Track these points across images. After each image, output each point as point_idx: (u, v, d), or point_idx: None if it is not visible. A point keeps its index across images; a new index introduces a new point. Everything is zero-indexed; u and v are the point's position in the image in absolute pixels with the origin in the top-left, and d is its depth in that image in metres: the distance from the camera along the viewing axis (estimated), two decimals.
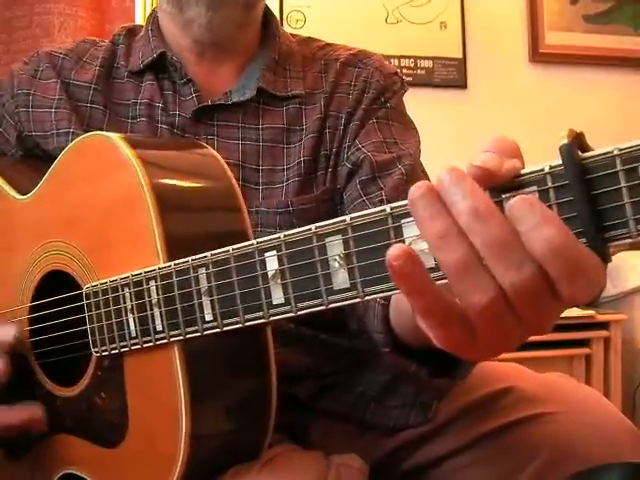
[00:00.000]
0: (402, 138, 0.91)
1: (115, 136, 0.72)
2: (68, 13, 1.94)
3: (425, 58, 2.61)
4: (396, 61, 2.57)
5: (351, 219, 0.50)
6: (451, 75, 2.63)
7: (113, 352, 0.69)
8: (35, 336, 0.80)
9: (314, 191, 0.89)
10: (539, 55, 2.71)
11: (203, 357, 0.67)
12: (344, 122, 0.90)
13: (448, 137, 2.42)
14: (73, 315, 0.74)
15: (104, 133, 0.75)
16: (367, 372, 0.89)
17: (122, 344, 0.68)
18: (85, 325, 0.72)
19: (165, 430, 0.66)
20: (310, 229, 0.53)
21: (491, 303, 0.43)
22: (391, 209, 0.48)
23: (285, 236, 0.55)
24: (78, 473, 0.76)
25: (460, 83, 2.64)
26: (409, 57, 2.60)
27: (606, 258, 0.42)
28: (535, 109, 2.58)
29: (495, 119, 2.53)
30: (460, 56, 2.64)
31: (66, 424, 0.77)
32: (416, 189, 0.44)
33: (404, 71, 2.56)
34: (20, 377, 0.79)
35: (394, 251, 0.43)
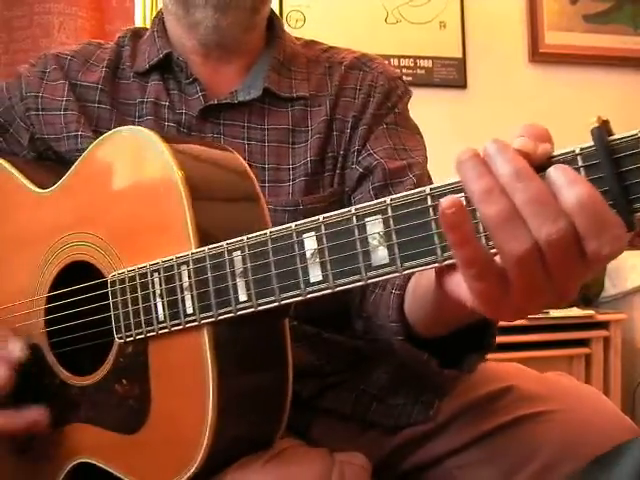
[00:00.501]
0: (410, 145, 0.92)
1: (146, 130, 0.74)
2: (68, 13, 1.94)
3: (425, 58, 2.61)
4: (396, 61, 2.57)
5: (391, 200, 0.54)
6: (451, 75, 2.63)
7: (138, 337, 0.70)
8: (51, 326, 0.80)
9: (320, 191, 0.90)
10: (539, 55, 2.71)
11: (230, 344, 0.68)
12: (351, 126, 0.91)
13: (448, 137, 2.41)
14: (94, 304, 0.75)
15: (134, 127, 0.77)
16: (369, 371, 0.90)
17: (148, 329, 0.69)
18: (106, 313, 0.73)
19: (189, 414, 0.67)
20: (350, 210, 0.56)
21: (526, 253, 0.47)
22: (430, 190, 0.52)
23: (324, 218, 0.57)
24: (93, 461, 0.76)
25: (460, 83, 2.64)
26: (409, 57, 2.60)
27: (633, 226, 0.47)
28: (535, 109, 2.58)
29: (495, 119, 2.52)
30: (460, 56, 2.64)
31: (80, 413, 0.77)
32: (464, 153, 0.49)
33: (404, 71, 2.56)
34: (33, 367, 0.79)
35: (447, 202, 0.47)
